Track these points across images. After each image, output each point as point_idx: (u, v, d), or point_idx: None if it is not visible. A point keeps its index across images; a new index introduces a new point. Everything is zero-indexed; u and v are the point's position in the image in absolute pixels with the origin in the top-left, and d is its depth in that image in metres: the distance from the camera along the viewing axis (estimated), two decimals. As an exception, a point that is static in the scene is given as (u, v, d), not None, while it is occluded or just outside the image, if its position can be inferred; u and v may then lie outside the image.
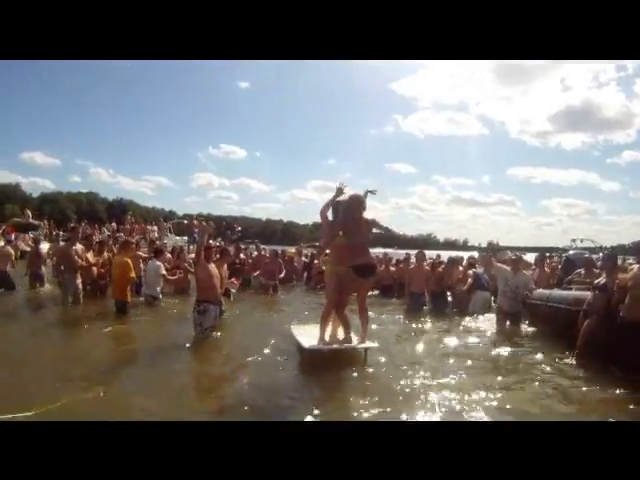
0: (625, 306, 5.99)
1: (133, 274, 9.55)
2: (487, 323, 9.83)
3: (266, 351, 6.94)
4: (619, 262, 8.14)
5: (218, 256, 8.42)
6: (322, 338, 6.65)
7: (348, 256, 6.39)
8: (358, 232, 6.43)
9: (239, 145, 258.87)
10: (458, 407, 4.76)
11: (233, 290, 10.78)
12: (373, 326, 8.52)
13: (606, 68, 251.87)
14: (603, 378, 5.81)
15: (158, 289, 10.68)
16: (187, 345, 6.98)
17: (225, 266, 9.64)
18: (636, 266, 6.28)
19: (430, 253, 16.07)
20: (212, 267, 7.50)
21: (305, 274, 17.05)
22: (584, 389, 5.60)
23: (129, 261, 9.54)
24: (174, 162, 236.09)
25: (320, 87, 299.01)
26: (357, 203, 6.55)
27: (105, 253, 11.74)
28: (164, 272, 10.66)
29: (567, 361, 6.74)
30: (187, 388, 5.46)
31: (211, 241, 17.02)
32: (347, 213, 6.48)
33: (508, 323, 9.24)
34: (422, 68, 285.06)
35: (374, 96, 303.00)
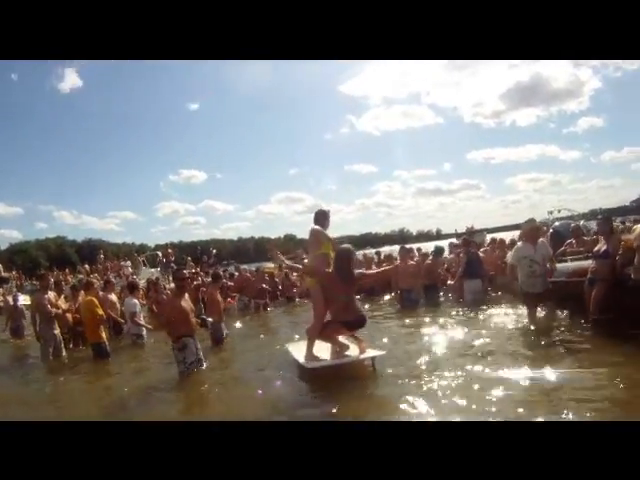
0: (635, 267, 5.73)
1: (101, 312, 9.12)
2: (486, 313, 9.52)
3: (268, 374, 6.66)
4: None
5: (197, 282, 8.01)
6: (311, 353, 6.32)
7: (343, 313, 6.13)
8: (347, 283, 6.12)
9: (198, 168, 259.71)
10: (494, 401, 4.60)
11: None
12: (369, 332, 8.13)
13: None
14: (631, 344, 5.65)
15: (140, 327, 10.21)
16: (174, 385, 6.65)
17: (217, 292, 9.65)
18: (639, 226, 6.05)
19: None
20: (183, 300, 7.10)
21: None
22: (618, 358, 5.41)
23: (94, 300, 9.22)
24: (137, 194, 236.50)
25: (269, 99, 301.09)
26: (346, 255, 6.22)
27: (80, 298, 11.06)
28: (138, 309, 10.28)
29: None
30: None
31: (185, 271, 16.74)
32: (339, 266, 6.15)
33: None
34: (367, 65, 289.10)
35: (324, 101, 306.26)
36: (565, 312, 7.92)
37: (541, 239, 7.93)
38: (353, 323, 6.10)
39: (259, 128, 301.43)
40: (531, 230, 7.90)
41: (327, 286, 6.16)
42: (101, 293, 10.64)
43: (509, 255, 10.98)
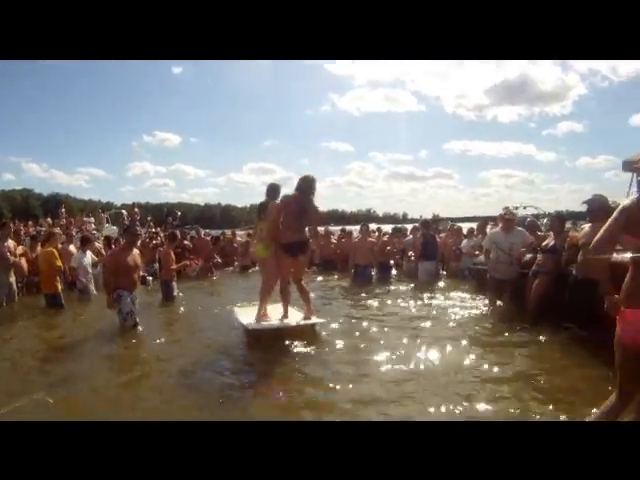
0: (578, 264, 5.89)
1: (59, 263, 9.17)
2: (440, 291, 9.90)
3: (210, 333, 6.84)
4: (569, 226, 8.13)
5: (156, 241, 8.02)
6: (264, 316, 6.59)
7: (281, 233, 6.43)
8: (297, 208, 6.35)
9: (173, 132, 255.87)
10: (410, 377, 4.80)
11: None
12: (319, 301, 8.59)
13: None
14: (561, 336, 5.95)
15: (85, 281, 10.21)
16: (115, 334, 6.84)
17: (172, 251, 9.89)
18: (587, 225, 6.21)
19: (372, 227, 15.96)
20: (129, 255, 7.20)
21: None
22: (544, 348, 5.71)
23: (54, 251, 9.27)
24: (108, 152, 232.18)
25: (255, 69, 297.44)
26: (304, 184, 6.47)
27: (38, 248, 11.09)
28: (88, 262, 10.30)
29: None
30: (131, 376, 5.20)
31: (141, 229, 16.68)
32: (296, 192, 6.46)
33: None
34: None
35: (310, 77, 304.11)
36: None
37: (519, 228, 8.11)
38: (292, 245, 6.36)
39: (240, 97, 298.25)
40: (503, 218, 8.18)
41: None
42: (60, 245, 10.59)
43: (464, 243, 11.30)
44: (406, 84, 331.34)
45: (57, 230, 11.96)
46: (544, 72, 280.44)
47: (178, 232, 13.34)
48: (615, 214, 3.01)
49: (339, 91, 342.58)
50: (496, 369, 4.98)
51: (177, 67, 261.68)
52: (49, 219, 24.64)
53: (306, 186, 6.43)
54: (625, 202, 3.01)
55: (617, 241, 3.06)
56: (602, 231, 3.03)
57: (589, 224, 6.22)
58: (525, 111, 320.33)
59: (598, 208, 5.73)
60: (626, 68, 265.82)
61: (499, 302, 8.03)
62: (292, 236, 6.35)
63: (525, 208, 22.74)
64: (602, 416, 3.19)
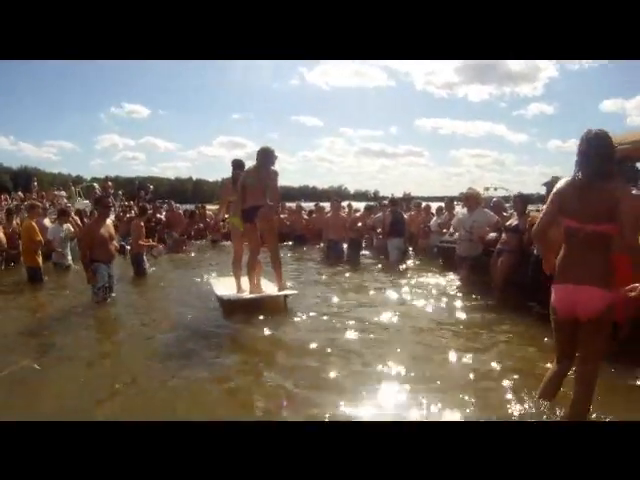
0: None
1: (39, 237, 9.16)
2: (408, 269, 10.27)
3: (188, 304, 7.06)
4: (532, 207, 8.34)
5: (129, 214, 8.10)
6: (238, 287, 6.94)
7: (240, 201, 6.68)
8: (253, 178, 6.59)
9: (141, 103, 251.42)
10: (379, 354, 4.86)
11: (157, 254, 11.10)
12: (292, 274, 8.93)
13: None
14: (525, 314, 6.11)
15: (66, 253, 10.32)
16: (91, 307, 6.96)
17: (142, 224, 9.88)
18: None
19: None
20: (103, 227, 7.22)
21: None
22: (509, 327, 5.87)
23: (34, 224, 9.26)
24: (76, 125, 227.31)
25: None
26: (262, 154, 6.67)
27: (14, 222, 11.30)
28: (65, 235, 10.34)
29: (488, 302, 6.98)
30: (110, 350, 5.41)
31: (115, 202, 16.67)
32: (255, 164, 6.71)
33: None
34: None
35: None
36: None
37: (482, 208, 8.38)
38: (247, 212, 6.63)
39: (207, 68, 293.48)
40: (467, 198, 8.47)
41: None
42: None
43: (433, 221, 11.55)
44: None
45: (37, 203, 11.80)
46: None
47: (150, 206, 13.39)
48: (550, 197, 3.29)
49: (307, 64, 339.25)
50: (449, 341, 5.30)
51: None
52: (20, 193, 24.36)
53: (261, 158, 6.61)
54: (557, 185, 3.27)
55: (554, 223, 3.30)
56: (541, 215, 3.37)
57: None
58: (495, 90, 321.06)
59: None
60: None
61: (459, 277, 8.35)
62: (248, 202, 6.56)
63: (496, 189, 23.12)
64: (546, 380, 3.48)
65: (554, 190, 3.27)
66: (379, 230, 12.19)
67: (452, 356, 4.79)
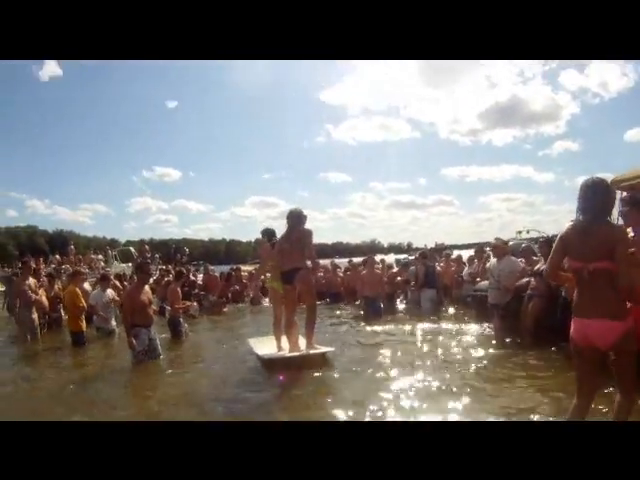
0: (565, 287, 6.32)
1: (81, 303, 9.39)
2: (442, 318, 10.38)
3: (228, 362, 7.29)
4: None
5: (167, 278, 8.33)
6: (278, 347, 7.12)
7: (278, 264, 6.96)
8: (288, 241, 6.84)
9: (173, 166, 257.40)
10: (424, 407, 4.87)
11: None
12: (328, 333, 9.08)
13: (531, 63, 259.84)
14: (557, 355, 6.32)
15: (109, 318, 10.33)
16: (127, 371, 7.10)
17: (179, 288, 10.04)
18: None
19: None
20: (143, 292, 7.48)
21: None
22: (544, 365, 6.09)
23: (77, 290, 9.49)
24: (110, 188, 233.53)
25: (249, 103, 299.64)
26: (290, 216, 6.97)
27: (55, 286, 11.64)
28: (108, 300, 10.36)
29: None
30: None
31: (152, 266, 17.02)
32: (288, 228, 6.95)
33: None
34: (348, 75, 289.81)
35: (304, 108, 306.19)
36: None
37: (509, 257, 8.54)
38: (286, 274, 6.85)
39: (236, 131, 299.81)
40: (494, 247, 8.84)
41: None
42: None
43: (465, 270, 11.66)
44: (400, 111, 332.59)
45: (81, 269, 12.24)
46: (534, 92, 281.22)
47: (184, 269, 13.74)
48: (555, 244, 3.59)
49: (334, 121, 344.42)
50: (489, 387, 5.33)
51: (172, 102, 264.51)
52: (57, 256, 24.95)
53: (292, 220, 6.89)
54: (562, 230, 3.55)
55: (560, 266, 3.59)
56: (549, 260, 3.65)
57: None
58: (519, 133, 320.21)
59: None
60: (616, 84, 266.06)
61: (490, 326, 8.46)
62: (287, 265, 6.79)
63: (528, 232, 22.84)
64: (569, 417, 3.53)
65: (559, 235, 3.56)
66: (412, 283, 12.33)
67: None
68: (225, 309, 14.39)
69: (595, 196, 3.36)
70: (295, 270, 6.75)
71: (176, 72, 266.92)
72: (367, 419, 4.50)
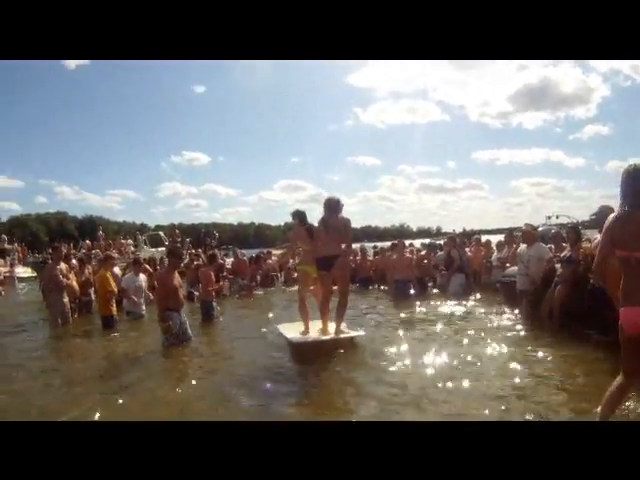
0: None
1: (112, 287, 9.60)
2: (472, 303, 10.43)
3: (260, 347, 7.36)
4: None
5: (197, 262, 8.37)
6: (306, 330, 7.22)
7: (314, 251, 7.05)
8: (326, 227, 6.96)
9: (201, 151, 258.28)
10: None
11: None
12: (359, 317, 9.16)
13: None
14: (583, 341, 6.32)
15: (140, 302, 10.46)
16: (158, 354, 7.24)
17: (211, 272, 10.19)
18: (598, 237, 6.67)
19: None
20: (174, 276, 7.61)
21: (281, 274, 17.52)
22: (570, 353, 6.05)
23: (107, 275, 9.69)
24: (138, 174, 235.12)
25: (276, 86, 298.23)
26: (327, 204, 7.07)
27: (86, 270, 11.77)
28: (141, 284, 10.55)
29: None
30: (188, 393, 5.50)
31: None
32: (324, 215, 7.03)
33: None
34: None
35: (332, 91, 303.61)
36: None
37: (539, 243, 8.56)
38: (322, 260, 6.94)
39: (263, 114, 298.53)
40: (523, 233, 8.86)
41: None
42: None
43: (494, 256, 11.64)
44: (428, 94, 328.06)
45: (112, 254, 12.43)
46: (565, 74, 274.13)
47: (220, 253, 13.81)
48: (602, 236, 3.57)
49: (362, 104, 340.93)
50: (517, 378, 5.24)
51: (200, 87, 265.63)
52: (88, 241, 25.35)
53: (330, 208, 7.01)
54: (607, 221, 3.51)
55: (608, 258, 3.53)
56: (597, 253, 3.64)
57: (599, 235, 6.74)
58: (550, 116, 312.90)
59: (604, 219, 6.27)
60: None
61: (517, 311, 8.51)
62: (323, 251, 6.91)
63: (558, 217, 22.65)
64: (610, 393, 3.55)
65: (604, 229, 3.53)
66: (441, 267, 12.43)
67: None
68: (256, 292, 14.56)
69: (635, 183, 3.36)
70: (333, 257, 6.85)
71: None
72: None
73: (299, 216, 7.59)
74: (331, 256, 6.86)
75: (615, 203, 3.65)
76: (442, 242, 15.21)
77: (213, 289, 10.07)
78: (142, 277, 10.72)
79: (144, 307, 10.47)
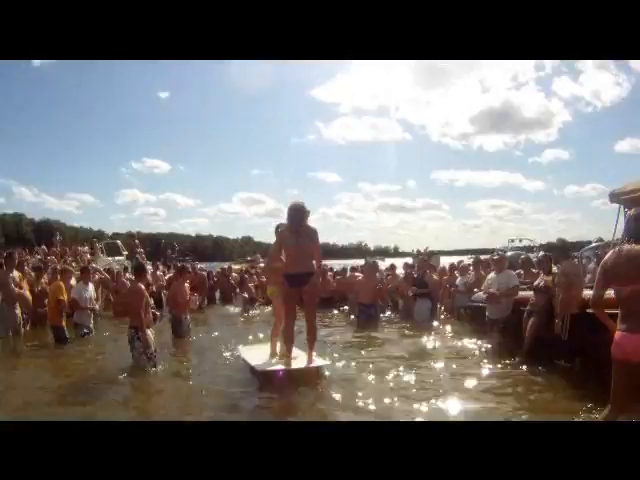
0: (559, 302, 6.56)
1: (62, 297, 9.21)
2: (437, 330, 10.27)
3: (220, 373, 6.95)
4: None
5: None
6: (272, 356, 6.84)
7: (285, 266, 6.48)
8: (295, 239, 6.30)
9: (162, 158, 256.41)
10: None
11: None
12: (324, 340, 8.69)
13: (525, 68, 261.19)
14: (551, 369, 6.41)
15: (89, 315, 9.86)
16: (126, 375, 6.74)
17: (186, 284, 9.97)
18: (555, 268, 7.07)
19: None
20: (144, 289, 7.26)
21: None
22: (537, 380, 6.15)
23: (61, 284, 9.43)
24: (98, 178, 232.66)
25: (241, 96, 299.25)
26: (293, 213, 6.36)
27: (42, 280, 11.33)
28: (91, 295, 9.92)
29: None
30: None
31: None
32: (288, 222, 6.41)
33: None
34: (341, 72, 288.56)
35: (295, 104, 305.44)
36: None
37: (508, 270, 8.61)
38: (293, 277, 6.34)
39: (226, 124, 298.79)
40: (495, 261, 9.05)
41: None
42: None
43: (458, 280, 11.57)
44: (391, 112, 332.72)
45: (70, 268, 11.81)
46: (527, 98, 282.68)
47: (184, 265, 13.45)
48: (598, 274, 3.90)
49: (324, 120, 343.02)
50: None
51: (164, 92, 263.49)
52: (44, 247, 24.61)
53: (293, 216, 6.31)
54: (604, 260, 3.86)
55: (603, 294, 3.80)
56: (594, 290, 3.92)
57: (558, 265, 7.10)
58: (511, 139, 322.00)
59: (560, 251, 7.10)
60: (609, 93, 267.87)
61: (489, 339, 8.32)
62: (294, 268, 6.30)
63: (521, 241, 23.11)
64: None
65: (600, 268, 3.89)
66: (406, 292, 12.19)
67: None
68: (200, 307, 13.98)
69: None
70: (307, 275, 6.30)
71: (169, 62, 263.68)
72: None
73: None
74: (304, 274, 6.30)
75: (571, 227, 3.82)
76: (404, 263, 15.14)
77: (185, 303, 9.73)
78: (91, 287, 10.16)
79: (92, 323, 9.93)
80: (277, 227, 6.91)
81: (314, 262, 6.41)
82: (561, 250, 7.08)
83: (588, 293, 5.78)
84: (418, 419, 4.50)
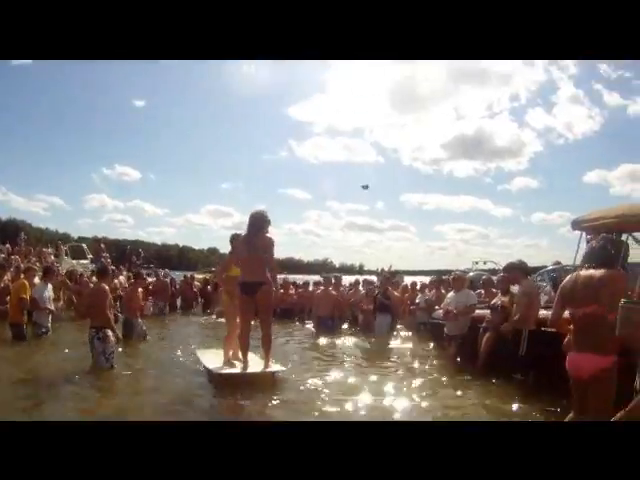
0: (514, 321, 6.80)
1: (25, 295, 9.16)
2: (395, 345, 10.46)
3: (177, 374, 7.00)
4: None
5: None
6: (226, 361, 6.88)
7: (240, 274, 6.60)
8: (249, 248, 6.42)
9: (133, 166, 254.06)
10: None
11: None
12: (279, 350, 8.69)
13: (500, 98, 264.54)
14: (506, 382, 6.61)
15: (44, 313, 9.71)
16: (82, 375, 6.67)
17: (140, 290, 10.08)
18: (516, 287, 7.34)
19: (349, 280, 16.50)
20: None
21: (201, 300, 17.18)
22: (493, 391, 6.38)
23: (25, 282, 9.36)
24: (67, 181, 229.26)
25: (217, 110, 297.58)
26: (252, 221, 6.53)
27: (5, 278, 11.20)
28: (49, 295, 9.86)
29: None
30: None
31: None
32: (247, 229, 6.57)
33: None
34: (318, 92, 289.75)
35: (269, 120, 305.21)
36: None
37: (467, 290, 8.81)
38: (246, 285, 6.44)
39: (199, 135, 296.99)
40: (454, 280, 9.04)
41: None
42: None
43: (419, 298, 11.72)
44: (365, 134, 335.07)
45: (34, 267, 11.63)
46: (500, 127, 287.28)
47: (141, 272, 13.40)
48: (557, 296, 4.21)
49: (298, 138, 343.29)
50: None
51: (139, 100, 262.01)
52: (8, 246, 24.22)
53: (253, 224, 6.47)
54: (562, 283, 4.12)
55: (561, 314, 4.07)
56: (552, 310, 4.22)
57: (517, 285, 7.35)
58: (481, 166, 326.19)
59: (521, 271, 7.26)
60: (582, 126, 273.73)
61: (445, 355, 8.53)
62: (247, 276, 6.43)
63: (485, 263, 23.35)
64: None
65: (558, 290, 4.18)
66: (368, 307, 12.21)
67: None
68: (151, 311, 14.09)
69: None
70: (258, 284, 6.37)
71: (145, 70, 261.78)
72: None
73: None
74: (256, 282, 6.38)
75: (537, 252, 3.97)
76: (365, 279, 15.26)
77: (137, 307, 9.84)
78: (50, 287, 10.09)
79: (50, 323, 9.86)
80: (232, 237, 7.21)
81: (267, 272, 6.48)
82: (522, 270, 7.21)
83: (543, 312, 6.17)
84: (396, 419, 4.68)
